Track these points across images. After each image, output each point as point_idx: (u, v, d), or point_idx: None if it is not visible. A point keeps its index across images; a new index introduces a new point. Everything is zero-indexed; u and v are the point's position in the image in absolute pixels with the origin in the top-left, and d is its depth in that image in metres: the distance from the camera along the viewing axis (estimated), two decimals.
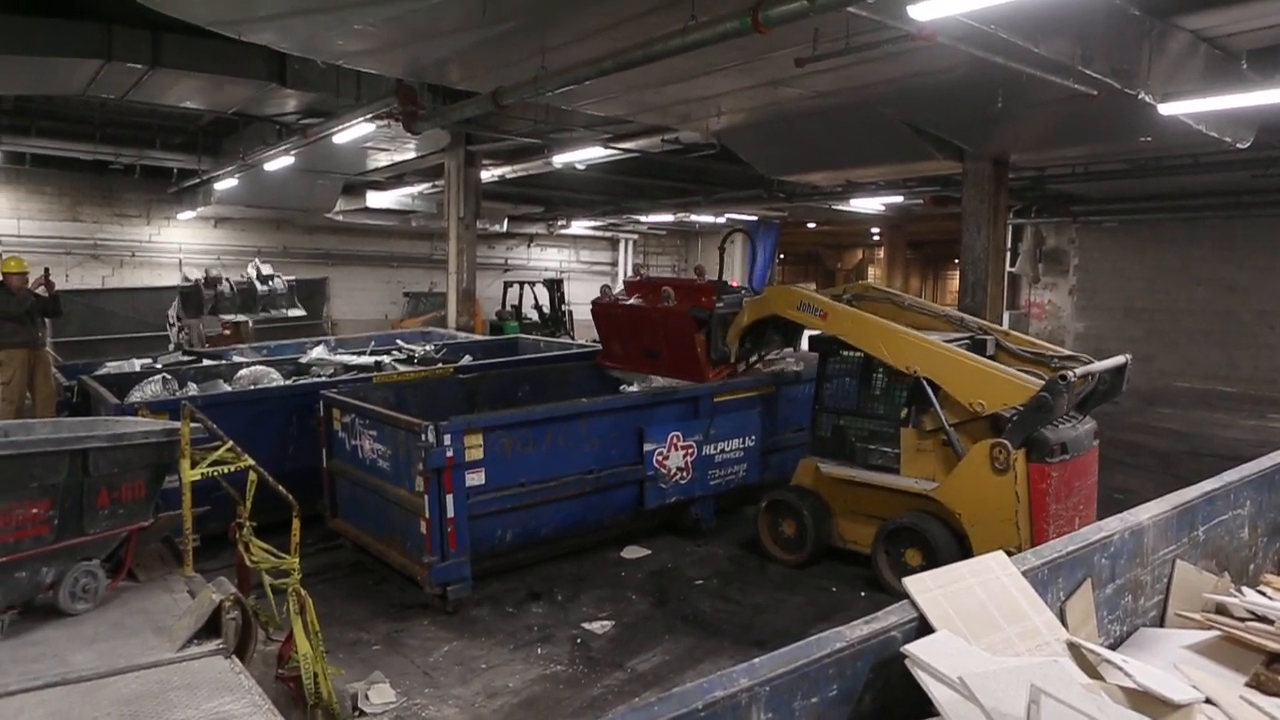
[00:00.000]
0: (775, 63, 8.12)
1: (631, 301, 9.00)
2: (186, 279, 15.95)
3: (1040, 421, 5.90)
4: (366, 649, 5.81)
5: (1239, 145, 9.33)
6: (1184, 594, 3.63)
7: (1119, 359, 6.63)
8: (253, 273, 16.51)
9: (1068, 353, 6.91)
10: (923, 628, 2.62)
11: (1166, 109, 7.38)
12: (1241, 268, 17.20)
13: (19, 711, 3.42)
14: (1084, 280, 19.76)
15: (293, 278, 17.13)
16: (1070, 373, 5.91)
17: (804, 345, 8.74)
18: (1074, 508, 6.12)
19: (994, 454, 6.00)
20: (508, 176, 16.06)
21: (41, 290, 10.07)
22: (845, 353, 7.11)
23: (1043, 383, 5.84)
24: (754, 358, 8.60)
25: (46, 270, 10.33)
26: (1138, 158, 13.09)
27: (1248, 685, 2.94)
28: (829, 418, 7.20)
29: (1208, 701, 2.67)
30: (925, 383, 6.35)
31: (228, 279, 15.94)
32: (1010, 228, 18.24)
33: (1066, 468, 6.01)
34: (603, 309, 9.32)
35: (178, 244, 20.00)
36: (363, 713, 4.91)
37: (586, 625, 6.18)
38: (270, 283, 16.27)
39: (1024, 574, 2.95)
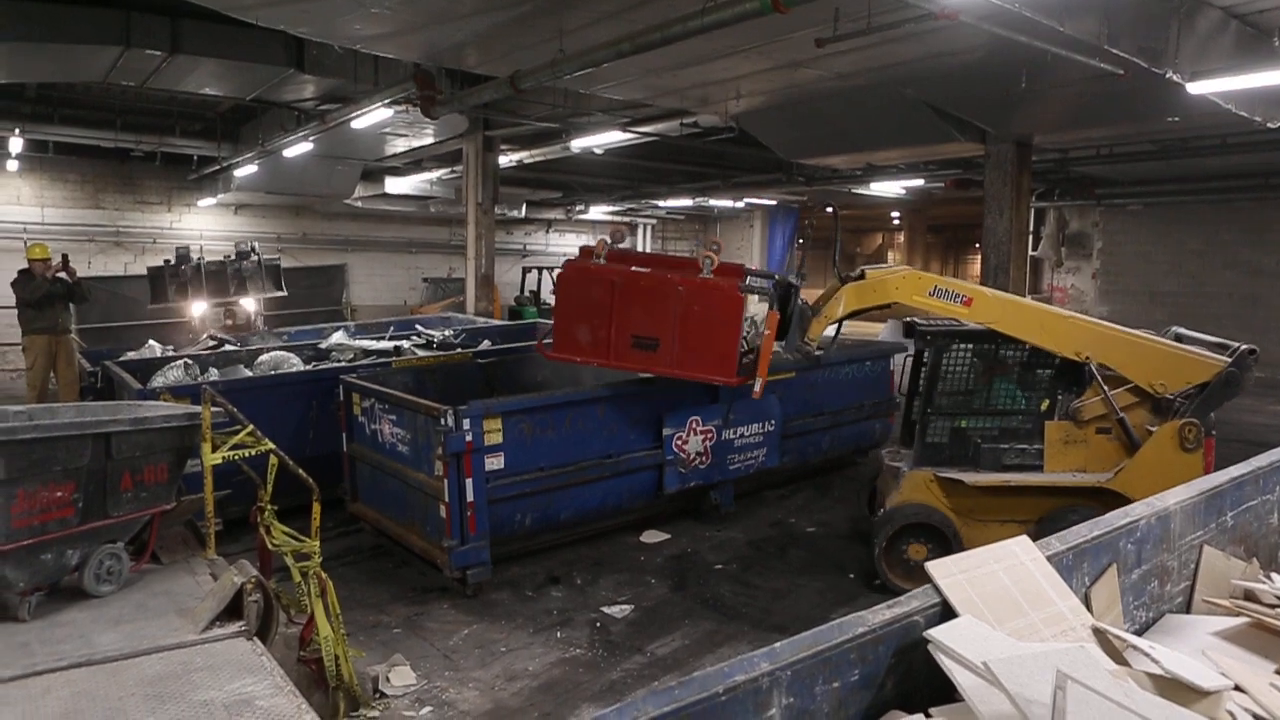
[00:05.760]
0: (795, 44, 8.03)
1: (635, 268, 6.79)
2: (176, 249, 14.17)
3: (1228, 397, 5.95)
4: (387, 632, 5.85)
5: (1270, 125, 9.15)
6: (1211, 580, 3.58)
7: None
8: (245, 247, 14.68)
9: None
10: (945, 613, 2.59)
11: (1195, 88, 7.24)
12: (1270, 251, 16.91)
13: (46, 691, 3.46)
14: (1107, 264, 19.52)
15: (276, 257, 14.90)
16: (1255, 348, 6.01)
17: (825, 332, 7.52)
18: None
19: (1184, 433, 5.96)
20: (526, 161, 16.03)
21: (63, 275, 10.16)
22: (967, 345, 6.50)
23: (1228, 359, 5.92)
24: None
25: (65, 256, 10.42)
26: (1164, 139, 12.89)
27: (1277, 672, 2.89)
28: (943, 421, 6.56)
29: (1236, 689, 2.62)
30: (1094, 369, 6.14)
31: (200, 259, 13.77)
32: (1033, 211, 18.02)
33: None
34: (579, 274, 6.84)
35: (198, 231, 20.10)
36: (383, 695, 4.94)
37: (606, 609, 6.19)
38: (243, 262, 14.00)
39: (1048, 559, 2.91)
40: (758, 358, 6.53)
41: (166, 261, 13.51)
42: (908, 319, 7.10)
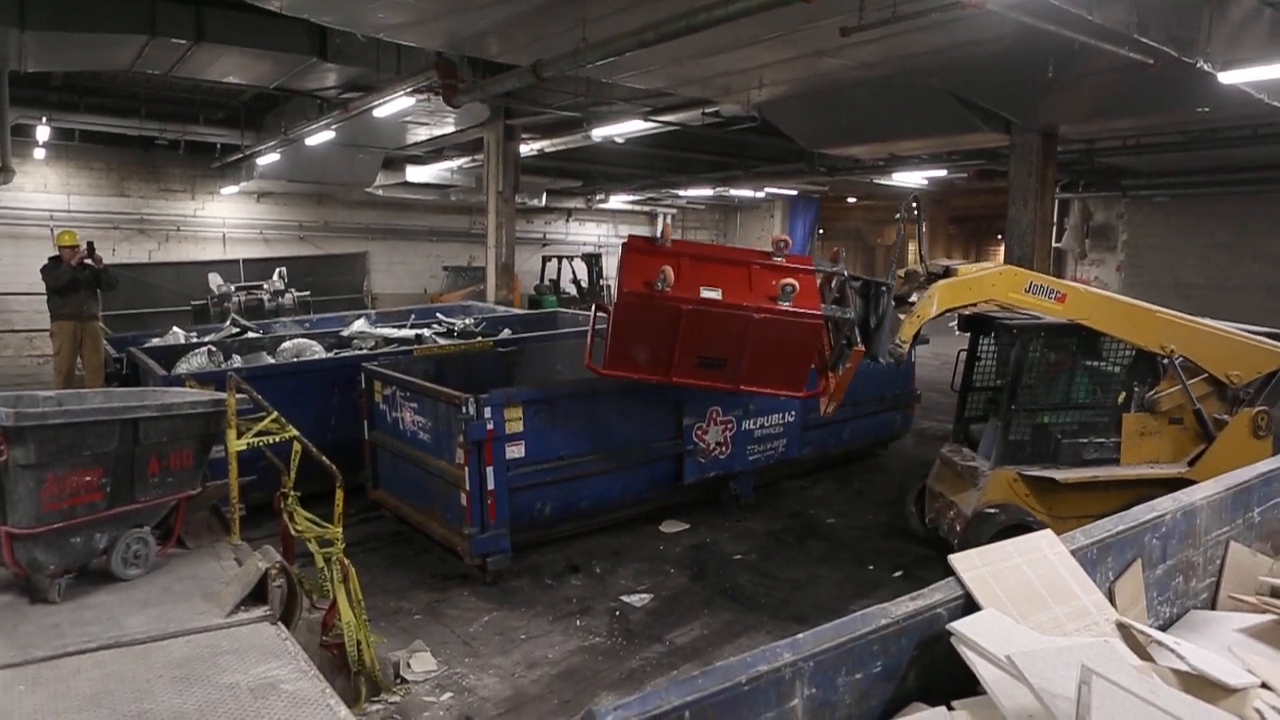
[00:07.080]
0: (819, 33, 7.97)
1: (705, 291, 6.00)
2: (216, 287, 15.94)
3: None
4: (408, 618, 5.89)
5: None
6: (1237, 576, 3.54)
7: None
8: (279, 284, 16.43)
9: None
10: (968, 606, 2.58)
11: (1227, 78, 7.12)
12: None
13: (76, 672, 3.52)
14: (1132, 256, 19.29)
15: (306, 293, 16.68)
16: None
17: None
18: None
19: (1257, 421, 6.17)
20: (547, 150, 16.02)
21: (89, 262, 10.25)
22: (1051, 340, 6.46)
23: None
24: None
25: (90, 244, 10.51)
26: (1193, 129, 12.68)
27: None
28: (1025, 418, 6.46)
29: (1263, 686, 2.60)
30: (1173, 362, 6.22)
31: (238, 294, 15.70)
32: (1057, 202, 17.82)
33: None
34: (642, 301, 5.90)
35: (221, 219, 20.26)
36: (404, 680, 4.99)
37: (625, 598, 6.21)
38: (280, 298, 16.05)
39: (1072, 553, 2.89)
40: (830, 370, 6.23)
41: (210, 296, 15.39)
42: (969, 312, 6.75)
